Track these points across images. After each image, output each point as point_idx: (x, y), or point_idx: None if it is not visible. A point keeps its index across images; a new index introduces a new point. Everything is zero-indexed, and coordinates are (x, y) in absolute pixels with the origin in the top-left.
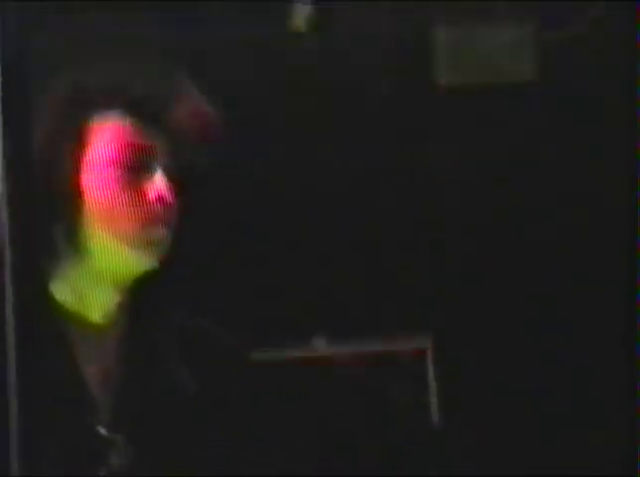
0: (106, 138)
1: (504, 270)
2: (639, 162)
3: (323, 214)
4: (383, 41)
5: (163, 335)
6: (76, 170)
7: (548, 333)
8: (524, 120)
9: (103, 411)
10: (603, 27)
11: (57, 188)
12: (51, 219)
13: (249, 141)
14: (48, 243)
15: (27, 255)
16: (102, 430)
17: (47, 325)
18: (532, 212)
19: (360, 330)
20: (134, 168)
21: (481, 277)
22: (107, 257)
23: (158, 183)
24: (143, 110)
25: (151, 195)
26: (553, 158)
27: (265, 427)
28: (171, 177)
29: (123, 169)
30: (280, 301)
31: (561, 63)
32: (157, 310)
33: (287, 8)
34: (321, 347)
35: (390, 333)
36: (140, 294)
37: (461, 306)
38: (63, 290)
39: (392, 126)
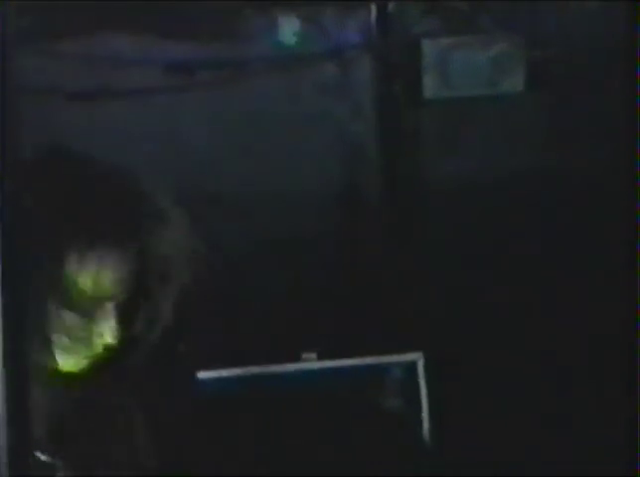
0: None
1: (496, 282)
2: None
3: (312, 229)
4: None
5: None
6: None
7: (539, 343)
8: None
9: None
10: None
11: None
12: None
13: None
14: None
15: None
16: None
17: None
18: (522, 224)
19: (350, 344)
20: None
21: (472, 290)
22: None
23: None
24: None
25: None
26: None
27: (256, 442)
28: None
29: None
30: (270, 316)
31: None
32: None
33: None
34: (311, 361)
35: (380, 347)
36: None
37: (452, 319)
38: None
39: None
